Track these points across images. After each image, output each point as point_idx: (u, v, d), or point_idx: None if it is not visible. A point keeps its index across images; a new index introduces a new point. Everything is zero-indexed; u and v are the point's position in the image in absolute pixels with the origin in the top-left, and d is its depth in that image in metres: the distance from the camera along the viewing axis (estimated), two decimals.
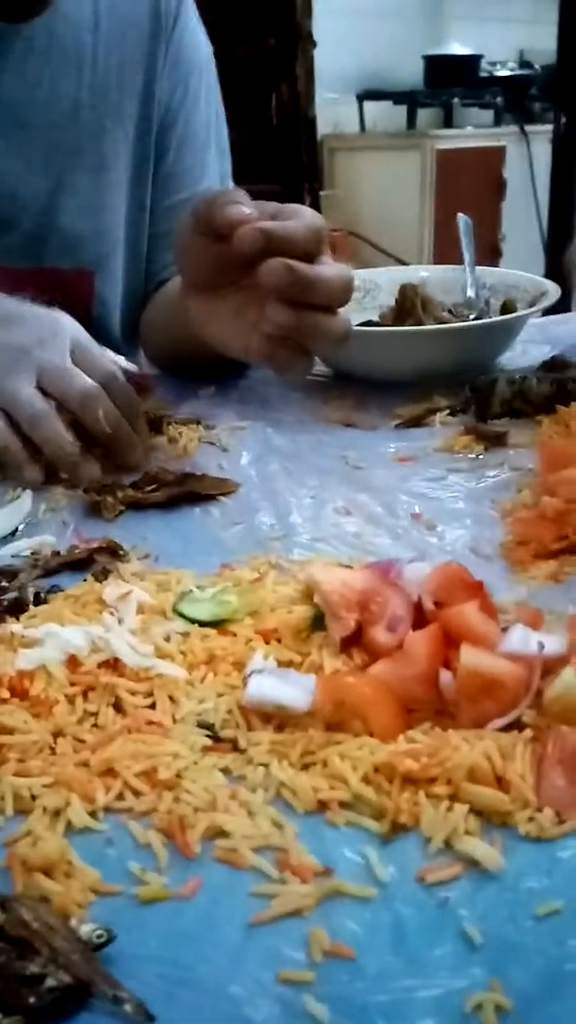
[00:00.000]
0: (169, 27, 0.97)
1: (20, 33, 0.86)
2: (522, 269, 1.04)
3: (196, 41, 1.00)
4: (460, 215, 1.05)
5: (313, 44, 2.42)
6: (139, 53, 0.95)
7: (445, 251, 3.34)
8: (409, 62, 3.81)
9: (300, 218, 0.65)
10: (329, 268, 0.64)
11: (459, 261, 1.02)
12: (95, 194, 0.94)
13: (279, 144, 2.48)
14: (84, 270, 0.96)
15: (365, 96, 3.68)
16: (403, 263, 3.37)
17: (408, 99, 3.67)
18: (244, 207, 0.64)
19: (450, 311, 0.95)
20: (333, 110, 3.57)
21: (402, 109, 3.70)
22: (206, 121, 1.02)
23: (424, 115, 3.75)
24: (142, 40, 0.95)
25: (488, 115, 3.78)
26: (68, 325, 0.73)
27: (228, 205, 0.64)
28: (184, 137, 1.00)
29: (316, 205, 2.52)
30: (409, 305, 0.92)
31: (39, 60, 0.88)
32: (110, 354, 0.74)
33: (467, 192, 3.42)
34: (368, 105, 3.70)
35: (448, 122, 3.75)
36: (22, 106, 0.88)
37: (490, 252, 3.40)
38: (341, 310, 0.67)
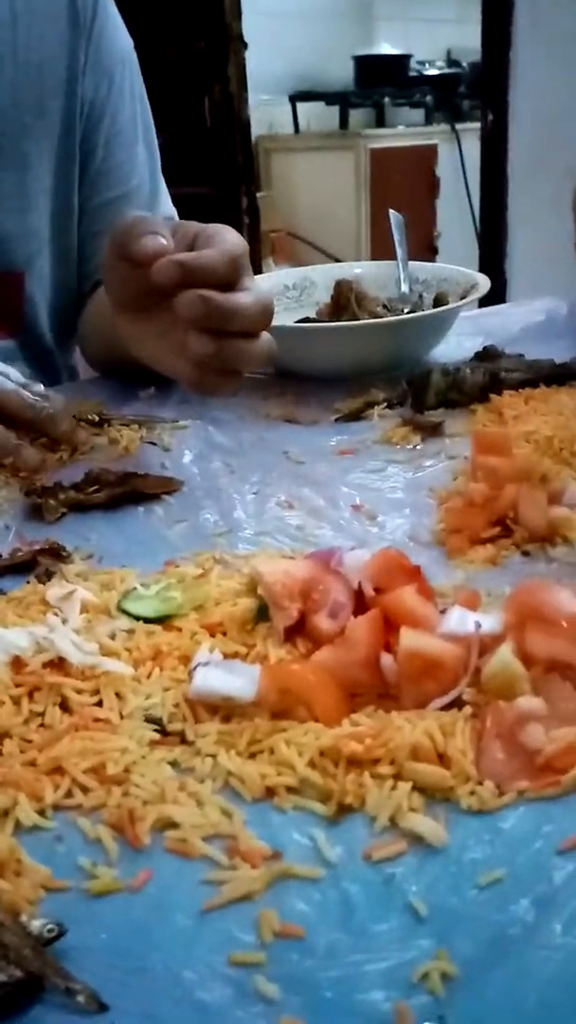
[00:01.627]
0: (88, 22, 0.96)
1: None
2: (458, 264, 1.06)
3: (117, 35, 1.00)
4: (392, 211, 1.07)
5: (244, 46, 2.43)
6: (59, 49, 0.94)
7: (381, 249, 3.37)
8: (340, 63, 3.84)
9: (219, 244, 0.64)
10: (246, 296, 0.64)
11: (395, 257, 1.03)
12: (20, 194, 0.93)
13: (213, 147, 2.48)
14: (14, 271, 0.95)
15: (298, 97, 3.71)
16: (340, 261, 3.40)
17: (340, 99, 3.71)
18: (160, 237, 0.64)
19: (384, 306, 0.96)
20: (266, 111, 3.59)
21: (334, 110, 3.73)
22: (132, 115, 1.01)
23: (356, 115, 3.79)
24: (62, 36, 0.94)
25: (419, 114, 3.84)
26: None
27: (144, 235, 0.64)
28: (112, 133, 0.99)
29: (253, 207, 2.53)
30: (344, 301, 0.93)
31: None
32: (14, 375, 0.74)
33: (401, 190, 3.46)
34: (301, 106, 3.73)
35: (380, 122, 3.80)
36: None
37: (427, 249, 3.44)
38: (265, 331, 0.66)
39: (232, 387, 0.68)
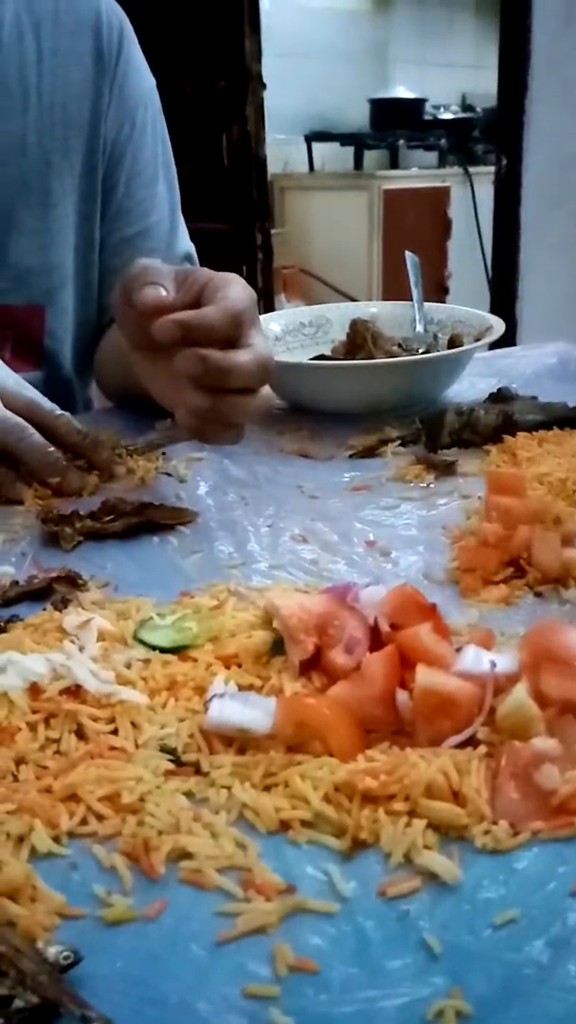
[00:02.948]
0: (112, 63, 0.98)
1: None
2: (468, 305, 1.08)
3: (140, 76, 1.02)
4: (408, 253, 1.08)
5: (263, 86, 2.47)
6: (84, 89, 0.96)
7: (393, 287, 3.41)
8: (356, 105, 3.92)
9: (223, 299, 0.64)
10: (245, 354, 0.64)
11: (407, 297, 1.05)
12: (43, 230, 0.95)
13: (230, 184, 2.52)
14: (35, 305, 0.97)
15: (313, 137, 3.78)
16: (352, 299, 3.43)
17: (355, 141, 3.77)
18: (162, 288, 0.65)
19: (400, 345, 0.98)
20: (283, 150, 3.65)
21: (349, 150, 3.79)
22: (153, 154, 1.04)
23: (371, 156, 3.85)
24: (86, 76, 0.96)
25: (432, 157, 3.90)
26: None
27: (147, 287, 0.65)
28: (133, 171, 1.01)
29: (267, 243, 2.56)
30: (360, 339, 0.95)
31: None
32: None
33: (414, 231, 3.51)
34: (317, 146, 3.79)
35: (394, 163, 3.86)
36: None
37: (437, 289, 3.48)
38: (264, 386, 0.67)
39: (231, 437, 0.69)
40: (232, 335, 0.64)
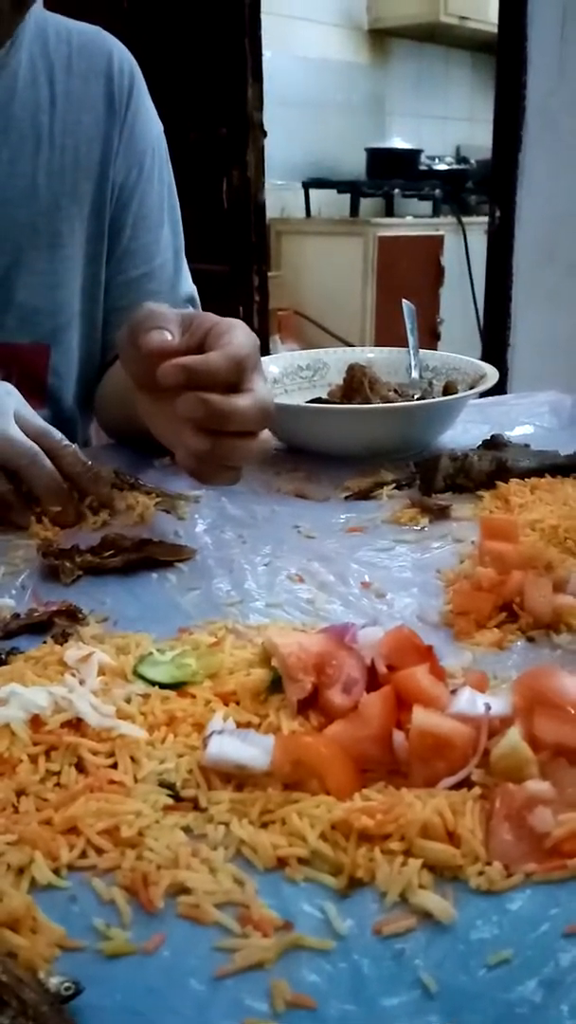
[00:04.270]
0: (122, 109, 1.01)
1: None
2: (459, 351, 1.10)
3: (148, 122, 1.05)
4: (405, 302, 1.11)
5: (263, 134, 2.53)
6: (94, 134, 0.99)
7: (386, 331, 3.46)
8: (353, 154, 4.00)
9: (227, 345, 0.66)
10: (246, 399, 0.66)
11: (399, 341, 1.07)
12: (51, 271, 0.97)
13: (229, 227, 2.56)
14: (40, 344, 0.98)
15: (311, 184, 3.85)
16: (346, 342, 3.48)
17: (352, 188, 3.84)
18: (167, 332, 0.66)
19: (396, 391, 0.99)
20: (280, 196, 3.72)
21: (346, 198, 3.87)
22: (159, 199, 1.06)
23: (367, 204, 3.92)
24: (97, 122, 0.99)
25: (427, 206, 3.98)
26: (13, 395, 0.78)
27: (153, 331, 0.66)
28: (139, 215, 1.03)
29: (264, 286, 2.61)
30: (357, 384, 0.96)
31: None
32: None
33: (407, 277, 3.57)
34: (314, 192, 3.87)
35: (389, 211, 3.93)
36: None
37: (429, 335, 3.54)
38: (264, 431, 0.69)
39: (229, 479, 0.71)
40: (234, 380, 0.66)
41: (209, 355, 0.65)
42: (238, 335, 0.67)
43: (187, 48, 2.47)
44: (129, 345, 0.70)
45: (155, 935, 0.35)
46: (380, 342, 3.62)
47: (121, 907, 0.36)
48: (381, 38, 4.17)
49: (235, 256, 2.64)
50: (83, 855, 0.39)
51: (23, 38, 0.94)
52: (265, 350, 2.81)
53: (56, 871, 0.38)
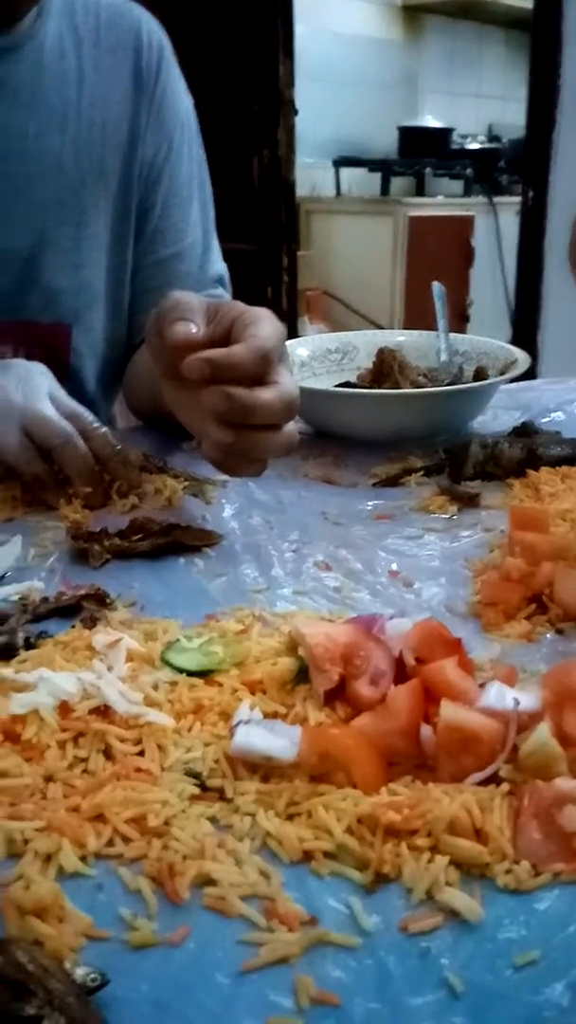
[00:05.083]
0: (151, 84, 0.99)
1: (5, 87, 0.89)
2: (488, 334, 1.09)
3: (177, 97, 1.03)
4: (435, 284, 1.09)
5: (294, 111, 2.50)
6: (122, 110, 0.97)
7: (415, 312, 3.44)
8: (384, 132, 3.95)
9: (253, 337, 0.65)
10: (270, 391, 0.65)
11: (429, 323, 1.06)
12: (75, 249, 0.96)
13: (259, 205, 2.55)
14: (62, 324, 0.98)
15: (342, 162, 3.81)
16: (374, 323, 3.46)
17: (383, 167, 3.80)
18: (193, 325, 0.66)
19: (425, 375, 0.98)
20: (310, 174, 3.68)
21: (376, 176, 3.82)
22: (189, 175, 1.05)
23: (397, 183, 3.88)
24: (125, 97, 0.97)
25: (458, 185, 3.93)
26: (47, 376, 0.78)
27: (178, 323, 0.66)
28: (169, 193, 1.02)
29: (293, 266, 2.59)
30: (387, 368, 0.95)
31: (24, 114, 0.90)
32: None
33: (437, 258, 3.53)
34: (344, 171, 3.83)
35: (420, 190, 3.89)
36: (7, 160, 0.90)
37: (458, 317, 3.50)
38: (291, 423, 0.68)
39: (254, 471, 0.70)
40: (259, 373, 0.65)
41: (234, 348, 0.64)
42: (264, 327, 0.66)
43: (219, 24, 2.44)
44: (155, 335, 0.70)
45: (181, 926, 0.35)
46: (409, 323, 3.59)
47: (147, 897, 0.37)
48: (414, 14, 4.11)
49: (264, 235, 2.62)
50: (110, 843, 0.39)
51: (50, 8, 0.93)
52: (293, 330, 2.80)
53: (83, 859, 0.38)
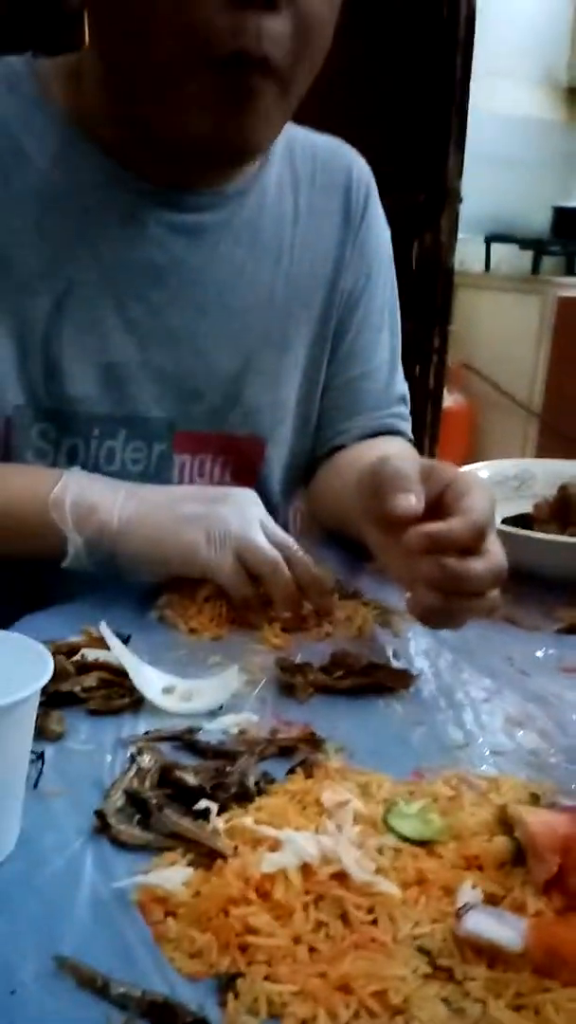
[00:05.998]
0: (357, 221, 1.07)
1: (231, 228, 0.97)
2: None
3: (379, 231, 1.11)
4: None
5: (459, 200, 2.57)
6: (330, 246, 1.05)
7: (556, 393, 3.42)
8: (538, 211, 3.98)
9: (469, 509, 0.69)
10: (481, 562, 0.69)
11: (570, 404, 1.07)
12: (276, 371, 1.03)
13: (416, 286, 2.61)
14: (257, 437, 1.04)
15: (493, 238, 3.85)
16: (514, 400, 3.46)
17: (535, 245, 3.82)
18: (412, 496, 0.70)
19: None
20: (461, 249, 3.72)
21: (528, 254, 3.84)
22: (383, 302, 1.12)
23: (548, 262, 3.89)
24: (333, 234, 1.06)
25: None
26: (259, 505, 0.85)
27: (400, 496, 0.70)
28: (363, 320, 1.09)
29: (444, 346, 2.64)
30: (572, 503, 0.98)
31: (244, 252, 0.99)
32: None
33: None
34: (495, 247, 3.86)
35: (571, 271, 3.88)
36: (227, 292, 0.98)
37: None
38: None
39: (454, 627, 0.75)
40: (472, 546, 0.69)
41: (453, 524, 0.69)
42: (477, 498, 0.70)
43: (392, 113, 2.54)
44: (370, 496, 0.74)
45: None
46: (549, 404, 3.58)
47: None
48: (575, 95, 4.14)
49: (418, 314, 2.68)
50: (356, 1015, 0.43)
51: (275, 154, 1.02)
52: (439, 407, 2.84)
53: None
